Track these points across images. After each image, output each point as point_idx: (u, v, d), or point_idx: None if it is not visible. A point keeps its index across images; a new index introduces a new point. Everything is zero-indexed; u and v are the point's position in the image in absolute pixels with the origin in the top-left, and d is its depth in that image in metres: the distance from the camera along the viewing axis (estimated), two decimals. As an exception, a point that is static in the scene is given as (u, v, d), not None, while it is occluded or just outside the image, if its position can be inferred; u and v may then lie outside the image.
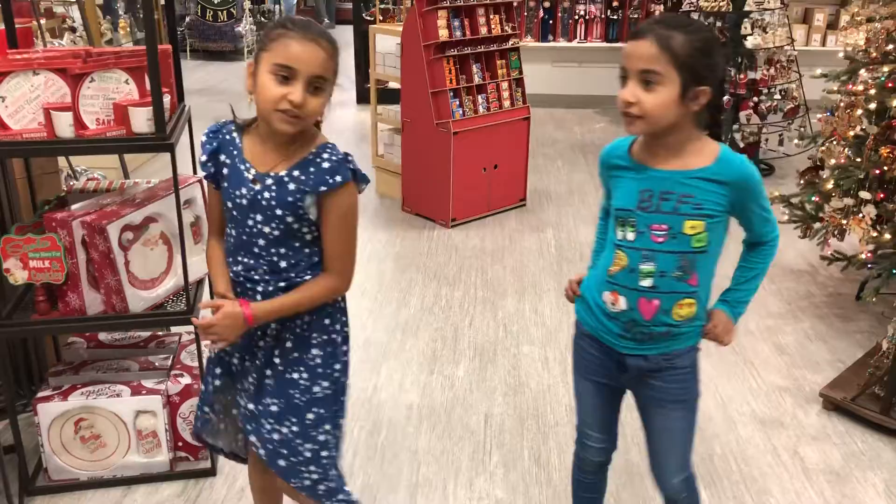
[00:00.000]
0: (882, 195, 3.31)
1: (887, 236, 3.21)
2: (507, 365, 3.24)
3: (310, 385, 1.79)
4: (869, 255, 3.30)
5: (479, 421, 2.86)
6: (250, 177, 1.69)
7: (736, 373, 3.17)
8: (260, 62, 1.62)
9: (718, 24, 5.53)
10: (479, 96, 4.68)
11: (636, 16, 7.52)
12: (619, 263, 1.72)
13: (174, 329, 2.90)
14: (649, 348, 1.75)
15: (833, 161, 3.59)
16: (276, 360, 1.79)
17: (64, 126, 2.16)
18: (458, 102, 4.57)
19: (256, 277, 1.73)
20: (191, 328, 2.42)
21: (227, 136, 1.75)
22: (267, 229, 1.69)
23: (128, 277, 2.32)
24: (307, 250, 1.74)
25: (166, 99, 2.26)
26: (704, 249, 1.67)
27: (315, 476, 1.83)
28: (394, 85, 6.87)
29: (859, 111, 3.52)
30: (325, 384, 1.80)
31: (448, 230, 4.69)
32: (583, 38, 7.65)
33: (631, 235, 1.70)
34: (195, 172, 2.64)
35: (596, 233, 1.98)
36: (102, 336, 2.77)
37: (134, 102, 2.22)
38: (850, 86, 3.57)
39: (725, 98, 5.52)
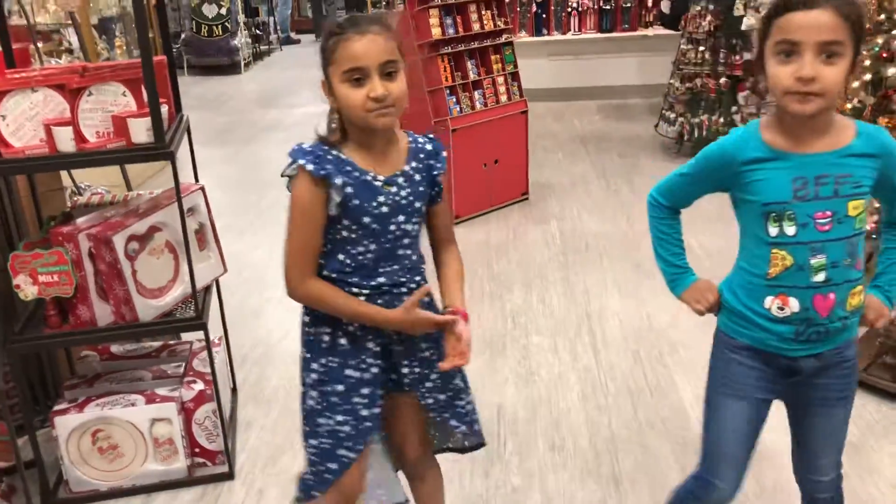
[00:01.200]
0: (882, 165, 3.31)
1: (890, 206, 3.21)
2: (517, 356, 3.25)
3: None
4: (873, 225, 3.29)
5: (492, 412, 2.87)
6: (380, 184, 1.65)
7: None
8: (331, 77, 1.60)
9: (711, 6, 5.54)
10: (476, 92, 4.70)
11: (629, 5, 7.53)
12: (782, 263, 1.59)
13: (185, 337, 2.93)
14: (823, 345, 1.64)
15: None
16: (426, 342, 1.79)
17: (65, 140, 2.19)
18: (455, 99, 4.59)
19: (403, 280, 1.71)
20: (199, 335, 2.44)
21: (330, 156, 1.64)
22: (409, 227, 1.70)
23: (136, 287, 2.34)
24: (419, 240, 1.78)
25: (164, 109, 2.28)
26: (863, 230, 1.58)
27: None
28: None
29: (856, 83, 3.52)
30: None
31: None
32: (577, 30, 7.66)
33: (791, 230, 1.56)
34: (196, 180, 2.68)
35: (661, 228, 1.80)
36: (115, 348, 2.80)
37: (132, 114, 2.25)
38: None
39: (722, 79, 5.53)
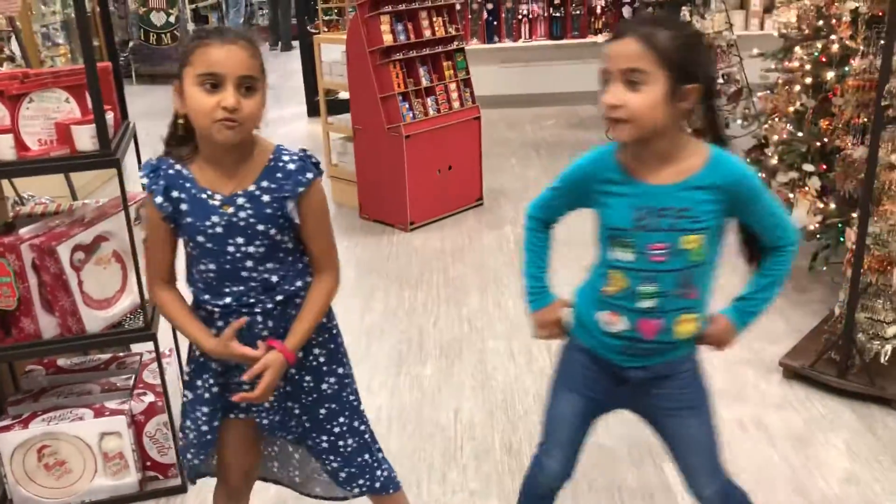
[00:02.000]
0: (824, 166, 3.40)
1: (832, 206, 3.30)
2: (474, 360, 3.26)
3: (316, 385, 1.80)
4: (817, 225, 3.38)
5: (449, 417, 2.87)
6: (218, 203, 1.61)
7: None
8: (185, 78, 1.55)
9: (658, 11, 5.63)
10: (429, 98, 4.71)
11: (578, 12, 7.63)
12: (617, 284, 1.63)
13: (134, 348, 2.87)
14: (650, 360, 1.68)
15: (776, 137, 3.68)
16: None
17: (4, 149, 2.13)
18: (407, 106, 4.59)
19: (252, 301, 1.67)
20: (150, 346, 2.40)
21: (171, 171, 1.63)
22: (252, 249, 1.63)
23: (82, 298, 2.29)
24: (291, 258, 1.70)
25: (109, 116, 2.24)
26: (703, 261, 1.59)
27: (349, 469, 1.87)
28: (343, 95, 6.87)
29: (797, 87, 3.62)
30: (332, 380, 1.82)
31: (407, 233, 4.70)
32: (528, 37, 7.73)
33: (629, 256, 1.60)
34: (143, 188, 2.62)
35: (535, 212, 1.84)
36: (61, 361, 2.73)
37: (76, 121, 2.20)
38: (787, 63, 3.66)
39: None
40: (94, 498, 2.46)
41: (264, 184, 1.62)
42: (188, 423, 1.81)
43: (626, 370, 1.69)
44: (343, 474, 1.87)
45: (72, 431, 2.39)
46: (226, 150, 1.59)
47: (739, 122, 4.44)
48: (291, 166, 1.63)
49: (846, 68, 3.18)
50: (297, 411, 1.82)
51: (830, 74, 3.25)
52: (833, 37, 3.38)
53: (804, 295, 3.66)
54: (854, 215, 3.08)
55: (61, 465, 2.42)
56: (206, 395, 1.76)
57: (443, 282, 4.03)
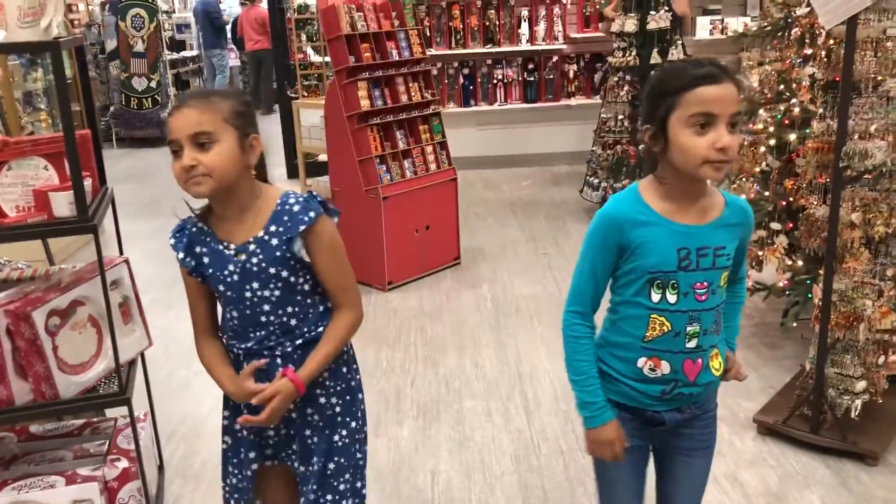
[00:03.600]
0: (791, 224, 3.49)
1: (800, 263, 3.37)
2: (451, 420, 3.25)
3: (330, 434, 1.83)
4: (786, 282, 3.46)
5: (426, 479, 2.86)
6: (232, 252, 1.71)
7: (673, 407, 3.25)
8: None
9: (628, 77, 5.81)
10: (406, 161, 4.79)
11: (551, 76, 7.82)
12: (660, 329, 1.64)
13: (109, 413, 2.84)
14: (685, 401, 1.71)
15: (744, 196, 3.77)
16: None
17: (-18, 216, 2.16)
18: (385, 168, 4.67)
19: (272, 345, 1.75)
20: (124, 411, 2.39)
21: (194, 229, 1.76)
22: (267, 293, 1.71)
23: (57, 363, 2.29)
24: (310, 301, 1.76)
25: (87, 182, 2.28)
26: (724, 296, 1.69)
27: None
28: (322, 157, 6.97)
29: (762, 148, 3.73)
30: (344, 433, 1.84)
31: (385, 293, 4.72)
32: (503, 100, 7.91)
33: (672, 298, 1.62)
34: (121, 253, 2.65)
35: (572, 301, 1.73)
36: (34, 428, 2.70)
37: (54, 187, 2.24)
38: (752, 125, 3.78)
39: (641, 146, 5.75)
40: (64, 568, 2.41)
41: (272, 228, 1.70)
42: (230, 468, 1.90)
43: (661, 413, 1.71)
44: None
45: (43, 500, 2.35)
46: (224, 203, 1.71)
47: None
48: (296, 208, 1.70)
49: (807, 130, 3.30)
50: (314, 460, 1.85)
51: (793, 136, 3.36)
52: (794, 100, 3.51)
53: (776, 351, 3.71)
54: (821, 272, 3.16)
55: (31, 534, 2.38)
56: (241, 434, 1.86)
57: (420, 341, 4.04)
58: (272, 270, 1.70)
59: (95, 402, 2.38)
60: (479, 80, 7.87)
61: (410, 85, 4.84)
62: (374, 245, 4.71)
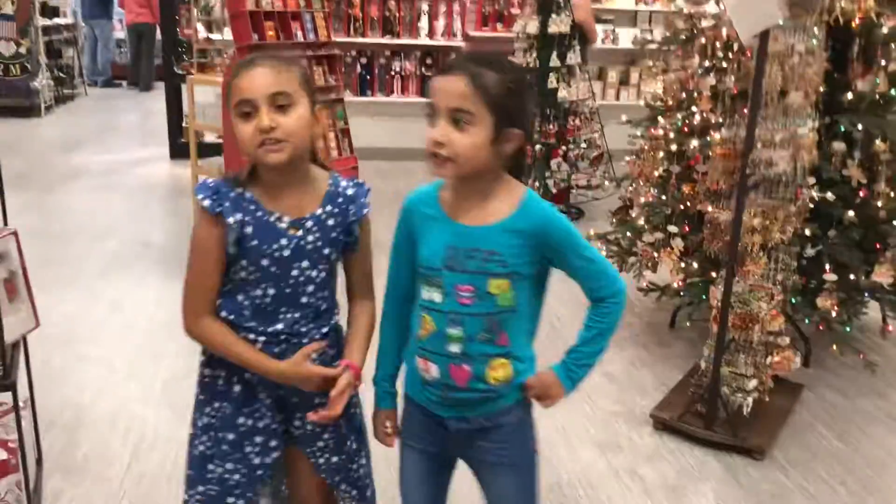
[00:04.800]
0: (688, 228, 3.63)
1: (695, 265, 3.51)
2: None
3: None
4: (680, 283, 3.59)
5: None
6: (285, 226, 1.60)
7: (572, 401, 3.26)
8: (231, 112, 1.55)
9: (528, 77, 5.89)
10: (306, 146, 4.67)
11: (450, 72, 7.85)
12: (427, 328, 1.60)
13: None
14: (469, 411, 1.63)
15: (642, 199, 3.90)
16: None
17: None
18: (284, 153, 4.52)
19: (303, 330, 1.65)
20: (6, 397, 2.18)
21: (232, 194, 1.58)
22: (314, 273, 1.63)
23: (-70, 343, 2.06)
24: (333, 291, 1.71)
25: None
26: (513, 308, 1.57)
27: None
28: (209, 138, 6.69)
29: (661, 153, 3.86)
30: (355, 400, 1.79)
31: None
32: (400, 93, 7.86)
33: (438, 297, 1.58)
34: (6, 224, 2.42)
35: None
36: None
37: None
38: (652, 130, 3.90)
39: (538, 147, 5.86)
40: (-72, 570, 2.18)
41: (328, 208, 1.64)
42: (228, 465, 1.69)
43: (445, 420, 1.65)
44: None
45: None
46: (286, 174, 1.58)
47: (606, 184, 4.68)
48: (350, 191, 1.67)
49: (707, 138, 3.44)
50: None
51: (694, 143, 3.49)
52: (694, 109, 3.65)
53: (667, 350, 3.85)
54: (715, 274, 3.30)
55: None
56: (261, 424, 1.68)
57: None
58: (326, 251, 1.63)
59: (-25, 386, 2.15)
60: (376, 70, 7.78)
61: (315, 69, 4.71)
62: (269, 231, 4.55)
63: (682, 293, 3.65)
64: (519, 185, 1.60)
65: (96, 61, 12.57)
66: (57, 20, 10.80)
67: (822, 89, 3.02)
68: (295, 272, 1.61)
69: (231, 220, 1.56)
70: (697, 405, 3.06)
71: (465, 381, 1.59)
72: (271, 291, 1.62)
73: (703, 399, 3.03)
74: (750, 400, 2.95)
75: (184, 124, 7.75)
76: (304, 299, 1.63)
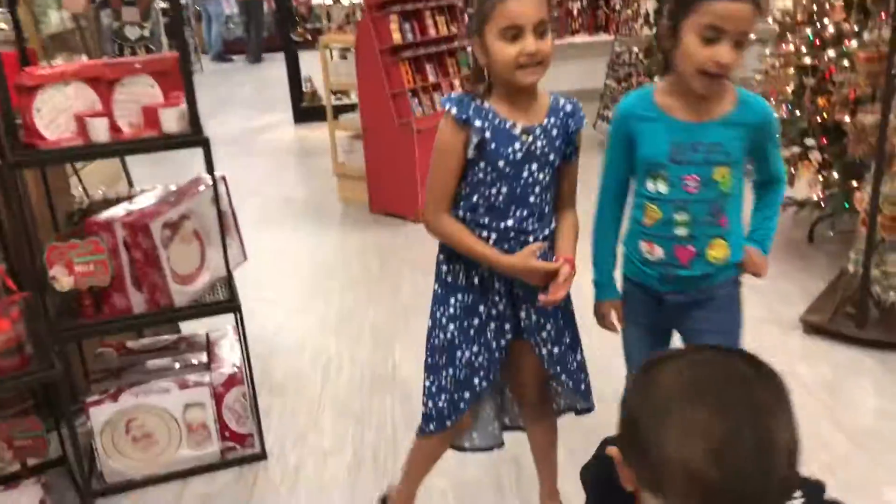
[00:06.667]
0: (825, 140, 3.66)
1: (835, 175, 3.55)
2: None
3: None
4: (821, 195, 3.64)
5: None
6: (518, 132, 1.79)
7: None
8: (486, 34, 1.71)
9: (642, 10, 5.91)
10: (436, 94, 4.88)
11: (556, 14, 7.87)
12: (653, 216, 1.81)
13: (196, 331, 2.96)
14: (688, 286, 1.84)
15: (776, 115, 3.93)
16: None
17: (100, 131, 2.25)
18: (417, 101, 4.76)
19: (530, 228, 1.84)
20: (212, 326, 2.50)
21: (473, 104, 1.79)
22: (541, 176, 1.82)
23: (171, 273, 2.40)
24: (553, 196, 1.89)
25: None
26: (731, 193, 1.77)
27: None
28: (334, 101, 6.99)
29: (791, 70, 3.88)
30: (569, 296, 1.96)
31: (417, 224, 4.84)
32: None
33: (663, 188, 1.78)
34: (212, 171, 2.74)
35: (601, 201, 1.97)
36: (130, 343, 2.83)
37: (163, 104, 2.33)
38: (784, 47, 3.92)
39: (655, 78, 5.89)
40: (179, 468, 2.57)
41: (552, 120, 1.82)
42: (475, 349, 1.91)
43: (664, 294, 1.87)
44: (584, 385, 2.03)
45: (160, 403, 2.50)
46: (522, 89, 1.77)
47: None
48: (568, 107, 1.85)
49: (843, 48, 3.45)
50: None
51: (830, 53, 3.50)
52: (826, 20, 3.65)
53: (807, 262, 3.91)
54: (856, 183, 3.35)
55: (148, 437, 2.52)
56: (495, 312, 1.90)
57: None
58: (551, 157, 1.81)
59: (210, 308, 2.50)
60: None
61: (437, 18, 4.90)
62: (407, 177, 4.81)
63: (821, 204, 3.70)
64: (730, 84, 1.75)
65: (209, 38, 13.15)
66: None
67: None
68: (525, 173, 1.80)
69: (477, 123, 1.77)
70: (847, 307, 3.15)
71: (688, 260, 1.80)
72: (504, 189, 1.81)
73: (853, 300, 3.11)
74: (902, 298, 3.01)
75: (304, 89, 8.12)
76: (531, 199, 1.83)
